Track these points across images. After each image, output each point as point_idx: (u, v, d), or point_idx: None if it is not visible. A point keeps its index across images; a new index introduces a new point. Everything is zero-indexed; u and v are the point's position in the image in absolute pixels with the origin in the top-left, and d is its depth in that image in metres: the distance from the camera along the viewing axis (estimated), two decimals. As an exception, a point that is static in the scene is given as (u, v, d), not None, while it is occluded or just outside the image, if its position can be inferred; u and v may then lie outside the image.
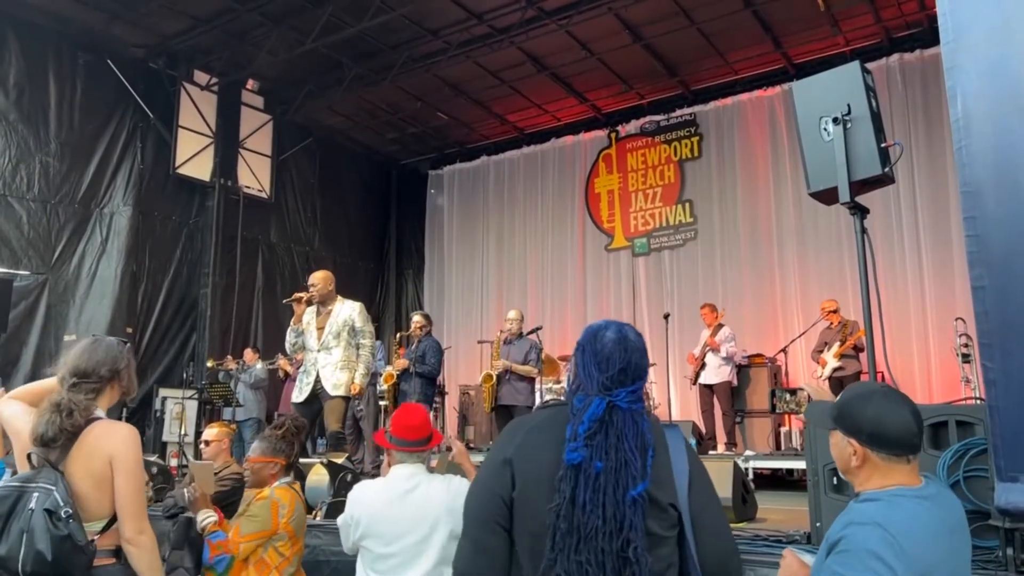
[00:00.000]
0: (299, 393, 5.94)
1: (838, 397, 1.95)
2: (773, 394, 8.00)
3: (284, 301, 6.26)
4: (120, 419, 9.62)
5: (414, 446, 2.85)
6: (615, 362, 1.74)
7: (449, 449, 3.19)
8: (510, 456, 1.71)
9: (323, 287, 6.02)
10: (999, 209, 2.41)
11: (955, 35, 2.51)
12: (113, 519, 2.31)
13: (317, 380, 5.87)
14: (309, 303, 6.02)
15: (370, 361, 6.01)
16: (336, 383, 5.83)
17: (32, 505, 2.16)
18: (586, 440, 1.63)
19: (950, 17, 2.53)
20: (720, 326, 8.76)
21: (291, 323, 6.07)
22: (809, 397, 2.53)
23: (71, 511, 2.18)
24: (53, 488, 2.18)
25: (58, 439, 2.26)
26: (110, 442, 2.32)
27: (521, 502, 1.67)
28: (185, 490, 3.28)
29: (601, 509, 1.58)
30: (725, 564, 1.73)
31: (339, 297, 6.11)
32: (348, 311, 6.02)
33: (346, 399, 5.93)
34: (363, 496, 2.85)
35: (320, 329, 5.96)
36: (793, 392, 7.83)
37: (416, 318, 7.98)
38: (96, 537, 2.29)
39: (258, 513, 3.20)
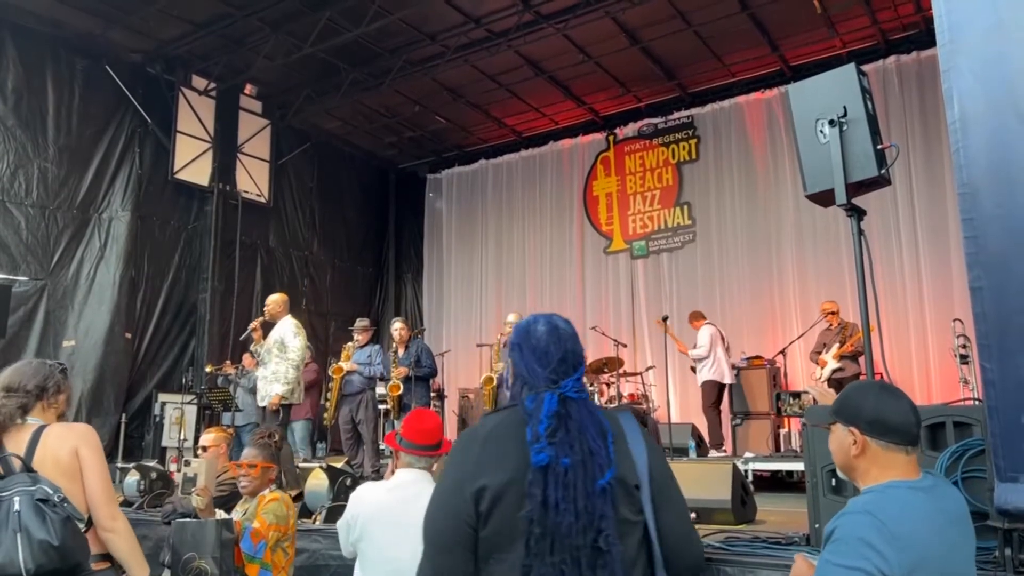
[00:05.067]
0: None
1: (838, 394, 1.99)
2: (778, 397, 8.05)
3: (241, 338, 7.47)
4: (120, 424, 9.59)
5: (423, 450, 2.85)
6: (553, 353, 1.72)
7: None
8: (471, 471, 1.63)
9: (273, 308, 6.93)
10: (997, 210, 2.41)
11: (951, 36, 2.52)
12: (89, 522, 2.36)
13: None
14: (265, 324, 6.93)
15: (291, 375, 6.63)
16: (263, 395, 6.64)
17: (16, 508, 2.19)
18: (548, 438, 1.60)
19: (946, 19, 2.53)
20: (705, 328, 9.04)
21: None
22: (814, 400, 2.56)
23: (63, 495, 2.25)
24: (35, 485, 2.24)
25: None
26: (71, 437, 2.42)
27: (492, 516, 1.59)
28: (194, 497, 3.33)
29: (573, 505, 1.55)
30: (688, 539, 1.70)
31: (287, 316, 6.91)
32: (281, 328, 6.80)
33: (277, 410, 6.60)
34: (365, 497, 2.85)
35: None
36: (796, 395, 7.86)
37: (398, 324, 8.08)
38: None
39: (275, 509, 3.36)
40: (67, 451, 2.37)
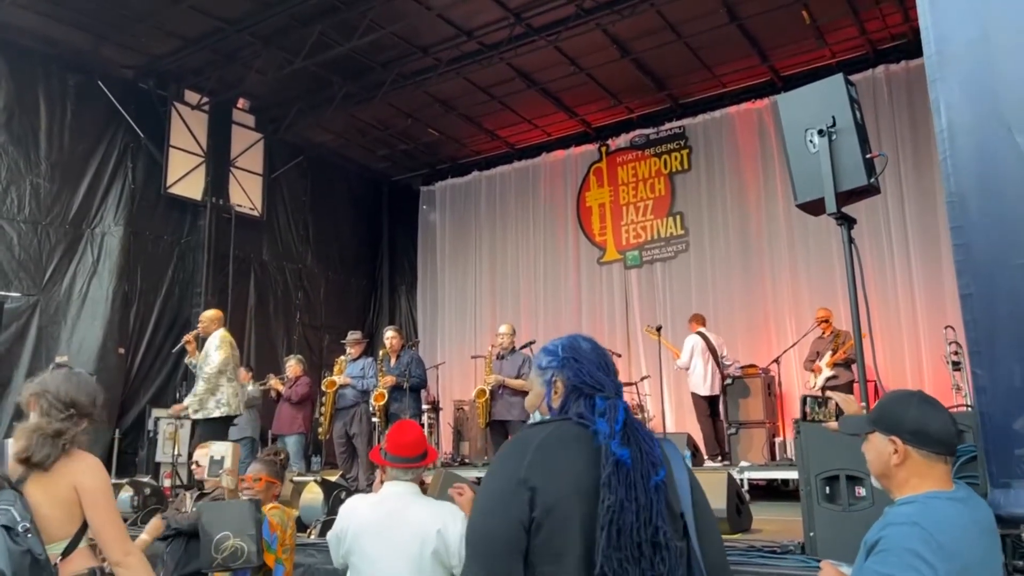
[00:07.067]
0: None
1: (876, 403, 2.02)
2: (804, 402, 8.05)
3: (174, 350, 7.88)
4: (113, 439, 9.55)
5: (409, 462, 2.87)
6: (611, 365, 1.81)
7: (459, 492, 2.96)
8: (524, 476, 1.60)
9: (205, 324, 6.96)
10: (984, 219, 2.44)
11: (937, 48, 2.55)
12: (74, 543, 2.30)
13: None
14: (197, 338, 6.95)
15: (200, 387, 6.69)
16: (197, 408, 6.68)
17: None
18: (621, 439, 1.64)
19: (932, 31, 2.57)
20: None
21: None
22: (837, 405, 2.60)
23: (28, 525, 2.16)
24: (11, 507, 2.16)
25: (43, 464, 2.26)
26: (73, 472, 2.32)
27: (545, 524, 1.58)
28: (224, 477, 3.48)
29: (634, 502, 1.58)
30: (723, 569, 1.75)
31: (217, 330, 6.92)
32: (208, 343, 6.83)
33: (211, 421, 6.61)
34: (354, 511, 2.86)
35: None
36: (824, 402, 7.87)
37: (390, 333, 8.05)
38: (58, 561, 2.25)
39: (278, 514, 3.47)
40: (63, 481, 2.29)
